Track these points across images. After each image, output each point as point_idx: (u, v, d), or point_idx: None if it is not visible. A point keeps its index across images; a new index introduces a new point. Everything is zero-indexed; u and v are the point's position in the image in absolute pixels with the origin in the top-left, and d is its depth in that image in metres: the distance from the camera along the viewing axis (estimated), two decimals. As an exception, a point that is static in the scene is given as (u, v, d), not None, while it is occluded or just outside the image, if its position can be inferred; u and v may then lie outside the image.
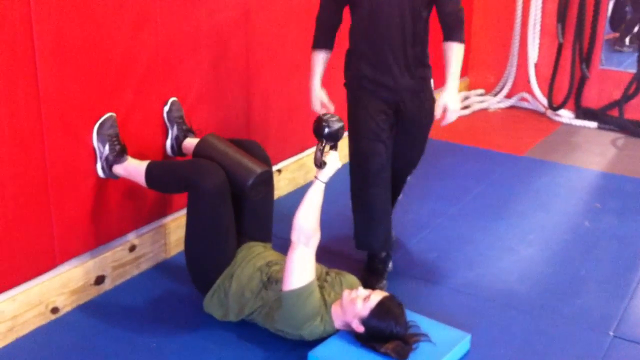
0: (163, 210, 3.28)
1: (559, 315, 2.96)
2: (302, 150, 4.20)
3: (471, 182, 4.35)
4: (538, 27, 5.62)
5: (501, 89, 5.96)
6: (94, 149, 2.87)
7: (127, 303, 2.98)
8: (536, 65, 5.71)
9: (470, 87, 6.14)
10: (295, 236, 2.60)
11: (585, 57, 5.44)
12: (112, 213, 3.02)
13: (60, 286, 2.84)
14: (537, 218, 3.89)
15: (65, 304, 2.87)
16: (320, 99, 3.11)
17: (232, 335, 2.76)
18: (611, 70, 5.50)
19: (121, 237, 3.10)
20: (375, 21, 2.94)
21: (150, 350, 2.67)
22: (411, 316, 2.65)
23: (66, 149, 2.77)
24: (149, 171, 2.87)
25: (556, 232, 3.75)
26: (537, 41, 5.67)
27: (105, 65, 2.85)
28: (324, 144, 2.63)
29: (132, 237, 3.14)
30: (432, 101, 3.09)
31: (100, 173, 2.91)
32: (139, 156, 2.98)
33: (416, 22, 2.94)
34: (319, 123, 2.63)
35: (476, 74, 6.10)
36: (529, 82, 5.75)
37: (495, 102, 5.90)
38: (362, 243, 3.16)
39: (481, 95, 6.04)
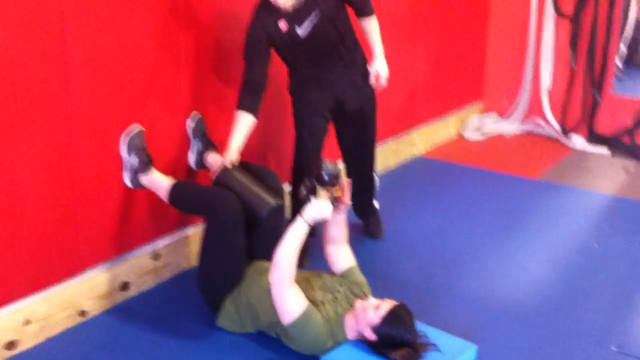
0: (186, 221, 3.44)
1: (564, 328, 3.07)
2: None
3: (484, 203, 4.47)
4: (551, 54, 5.76)
5: (515, 114, 6.08)
6: (122, 159, 3.04)
7: (150, 308, 3.14)
8: (549, 91, 5.84)
9: (484, 111, 6.27)
10: (272, 274, 2.72)
11: (597, 83, 5.57)
12: (138, 222, 3.19)
13: (88, 290, 3.00)
14: (546, 238, 4.00)
15: (93, 307, 3.03)
16: (230, 163, 3.10)
17: (248, 340, 2.90)
18: (623, 97, 5.62)
19: (146, 245, 3.26)
20: (304, 47, 3.25)
21: (173, 350, 2.82)
22: (420, 326, 2.75)
23: (94, 158, 2.94)
24: (172, 191, 3.03)
25: (565, 251, 3.86)
26: (550, 67, 5.80)
27: (133, 79, 3.03)
28: (312, 182, 2.77)
29: (156, 246, 3.30)
30: (370, 87, 3.49)
31: (128, 183, 3.07)
32: (163, 168, 3.15)
33: (337, 27, 3.26)
34: (318, 164, 2.79)
35: (490, 99, 6.23)
36: (542, 107, 5.88)
37: (509, 127, 6.02)
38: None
39: (495, 119, 6.17)
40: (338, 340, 2.74)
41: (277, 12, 3.14)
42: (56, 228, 2.84)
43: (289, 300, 2.69)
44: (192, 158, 3.37)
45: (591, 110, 5.66)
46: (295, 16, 3.15)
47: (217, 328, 2.98)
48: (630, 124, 5.49)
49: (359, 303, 2.74)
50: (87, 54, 2.81)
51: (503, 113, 6.20)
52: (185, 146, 3.36)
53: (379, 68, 3.40)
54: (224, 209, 2.89)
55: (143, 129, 3.07)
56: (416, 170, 5.05)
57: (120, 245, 3.14)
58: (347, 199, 2.87)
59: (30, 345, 2.80)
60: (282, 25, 3.16)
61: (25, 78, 2.61)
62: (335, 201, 2.80)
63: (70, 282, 2.94)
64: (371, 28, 3.40)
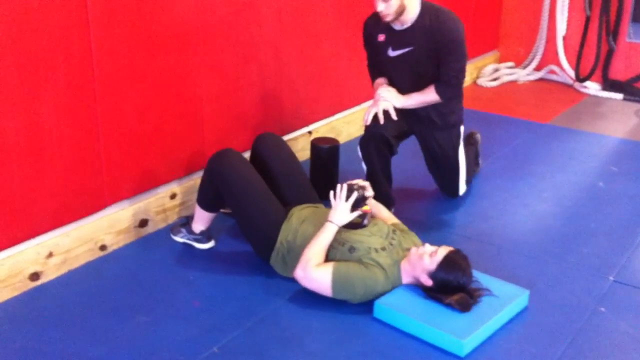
0: (200, 164, 3.56)
1: (564, 261, 3.19)
2: (333, 113, 4.45)
3: (495, 146, 4.55)
4: (566, 1, 5.76)
5: (530, 62, 6.11)
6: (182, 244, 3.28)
7: (168, 244, 3.29)
8: (564, 38, 5.86)
9: (500, 60, 6.31)
10: (299, 271, 2.79)
11: (612, 31, 5.58)
12: (156, 162, 3.32)
13: (108, 226, 3.16)
14: (554, 179, 4.09)
15: (113, 242, 3.19)
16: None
17: (280, 280, 3.00)
18: (638, 44, 5.62)
19: (163, 185, 3.40)
20: (392, 70, 3.47)
21: (188, 282, 2.99)
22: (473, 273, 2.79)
23: (115, 104, 3.06)
24: (198, 199, 3.18)
25: (571, 190, 3.95)
26: (565, 14, 5.80)
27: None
28: (343, 191, 2.87)
29: (173, 186, 3.45)
30: (448, 139, 3.55)
31: (200, 246, 3.27)
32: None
33: (425, 76, 3.37)
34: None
35: (506, 47, 6.26)
36: (557, 55, 5.91)
37: (525, 75, 6.06)
38: None
39: (511, 67, 6.21)
40: (395, 283, 2.81)
41: (380, 26, 3.36)
42: (79, 168, 2.99)
43: (317, 278, 2.76)
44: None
45: (606, 57, 5.68)
46: (394, 38, 3.36)
47: (231, 262, 3.14)
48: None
49: (414, 250, 2.80)
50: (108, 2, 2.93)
51: (519, 62, 6.23)
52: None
53: (386, 95, 3.41)
54: (221, 161, 3.02)
55: (177, 219, 3.38)
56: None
57: (140, 184, 3.28)
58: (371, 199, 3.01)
59: (52, 277, 2.97)
60: (381, 37, 3.40)
61: (48, 26, 2.73)
62: (364, 215, 2.91)
63: (91, 218, 3.10)
64: (424, 91, 3.39)
